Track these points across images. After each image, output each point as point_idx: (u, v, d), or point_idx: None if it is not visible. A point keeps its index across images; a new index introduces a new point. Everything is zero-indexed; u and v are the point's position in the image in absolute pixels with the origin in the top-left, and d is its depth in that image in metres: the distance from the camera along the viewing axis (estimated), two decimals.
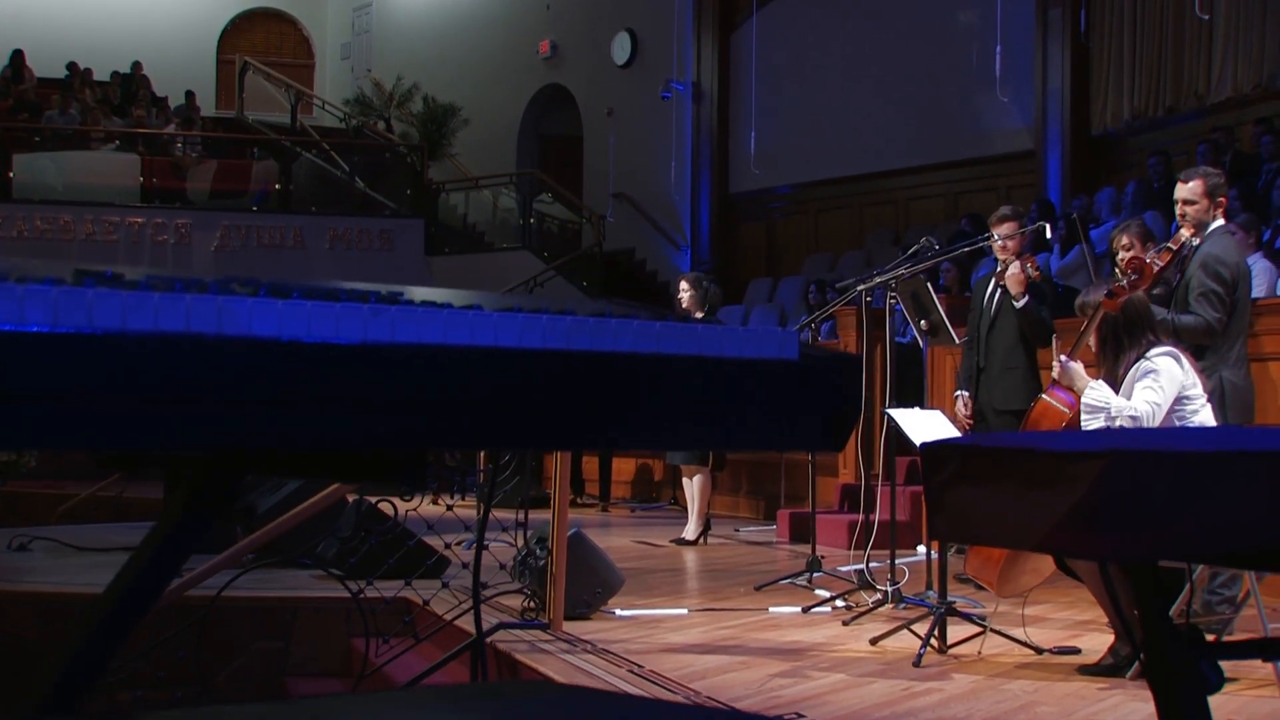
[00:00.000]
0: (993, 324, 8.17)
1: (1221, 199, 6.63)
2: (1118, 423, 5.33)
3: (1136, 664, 5.48)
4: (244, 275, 1.47)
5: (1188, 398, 5.32)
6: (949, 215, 17.74)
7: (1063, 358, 5.67)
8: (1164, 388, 5.25)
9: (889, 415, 6.59)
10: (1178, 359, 5.29)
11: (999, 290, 8.15)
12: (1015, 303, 7.97)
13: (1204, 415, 5.37)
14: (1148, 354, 5.37)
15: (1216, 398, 5.86)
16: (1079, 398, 5.56)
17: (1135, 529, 2.21)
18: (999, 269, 8.20)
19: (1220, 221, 6.62)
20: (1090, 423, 5.45)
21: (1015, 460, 2.34)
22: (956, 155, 17.71)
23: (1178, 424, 5.31)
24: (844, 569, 8.38)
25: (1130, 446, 2.19)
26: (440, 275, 19.97)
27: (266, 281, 1.43)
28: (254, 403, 1.28)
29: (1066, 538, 2.23)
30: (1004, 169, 17.37)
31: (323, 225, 19.62)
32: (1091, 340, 5.58)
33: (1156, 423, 5.23)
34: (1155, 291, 6.90)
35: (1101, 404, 5.38)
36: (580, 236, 21.68)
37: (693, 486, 10.46)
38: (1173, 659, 2.44)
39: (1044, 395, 5.88)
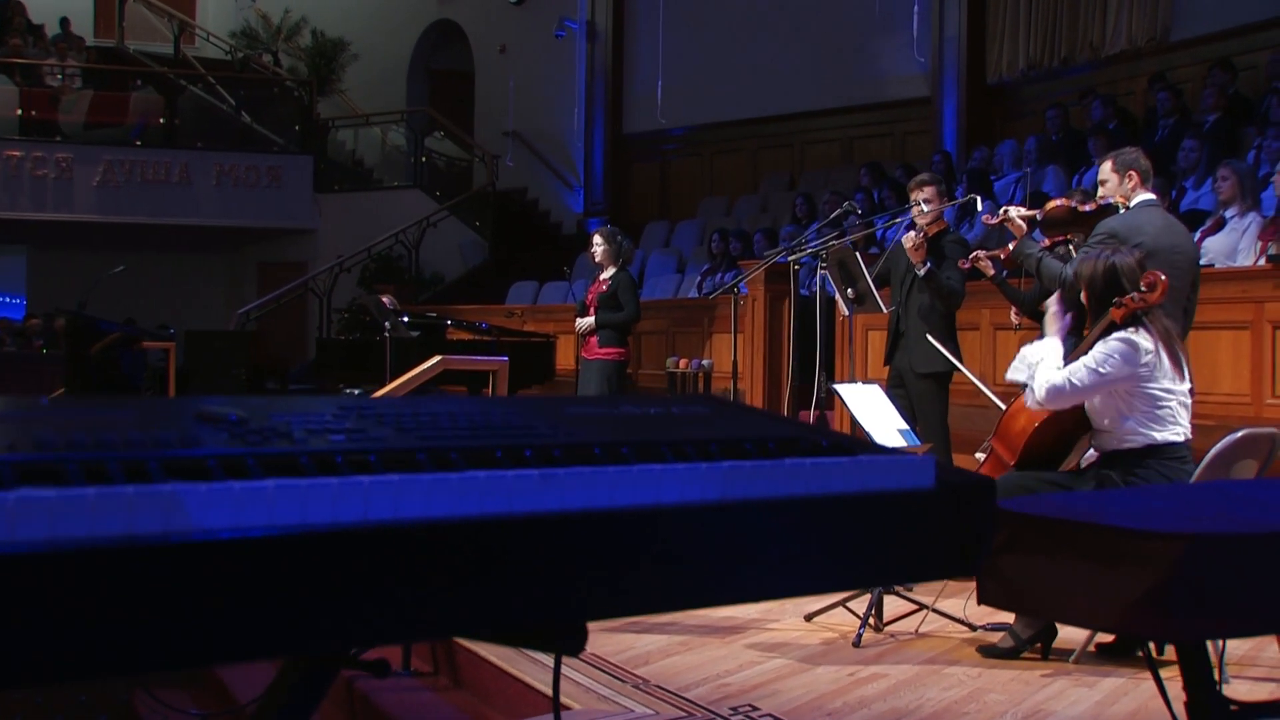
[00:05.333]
0: (909, 289, 8.14)
1: (1133, 172, 6.61)
2: (1036, 383, 5.37)
3: (1079, 649, 5.53)
4: (397, 423, 1.37)
5: (1167, 392, 5.32)
6: (844, 160, 17.78)
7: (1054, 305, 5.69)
8: (1099, 370, 5.26)
9: (834, 390, 6.57)
10: (1134, 347, 5.28)
11: None
12: (917, 270, 7.92)
13: (1176, 418, 5.39)
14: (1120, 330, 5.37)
15: None
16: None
17: (1215, 611, 2.19)
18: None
19: (1146, 195, 6.63)
20: (1015, 371, 5.49)
21: (1078, 535, 2.30)
22: (853, 100, 17.71)
23: (1154, 426, 5.34)
24: None
25: (1208, 530, 2.16)
26: (329, 213, 19.72)
27: (431, 435, 1.34)
28: (430, 587, 1.19)
29: (1141, 620, 2.20)
30: (900, 115, 17.40)
31: (209, 161, 19.22)
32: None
33: (1068, 399, 5.29)
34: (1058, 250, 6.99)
35: (1032, 360, 5.45)
36: (471, 175, 21.44)
37: None
38: None
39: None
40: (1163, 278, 5.35)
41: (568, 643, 1.41)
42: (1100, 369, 5.26)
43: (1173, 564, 2.00)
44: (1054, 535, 2.20)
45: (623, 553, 1.31)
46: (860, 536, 1.49)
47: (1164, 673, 5.18)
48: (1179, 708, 2.45)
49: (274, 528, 1.11)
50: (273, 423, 1.36)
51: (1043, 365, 5.41)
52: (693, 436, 1.50)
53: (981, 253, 7.17)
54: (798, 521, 1.43)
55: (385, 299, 12.78)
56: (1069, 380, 5.29)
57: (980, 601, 2.32)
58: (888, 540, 1.52)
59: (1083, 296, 5.58)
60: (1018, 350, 8.69)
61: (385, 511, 1.17)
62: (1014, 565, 2.27)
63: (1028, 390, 5.51)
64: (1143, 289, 5.33)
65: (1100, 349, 5.31)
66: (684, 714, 4.73)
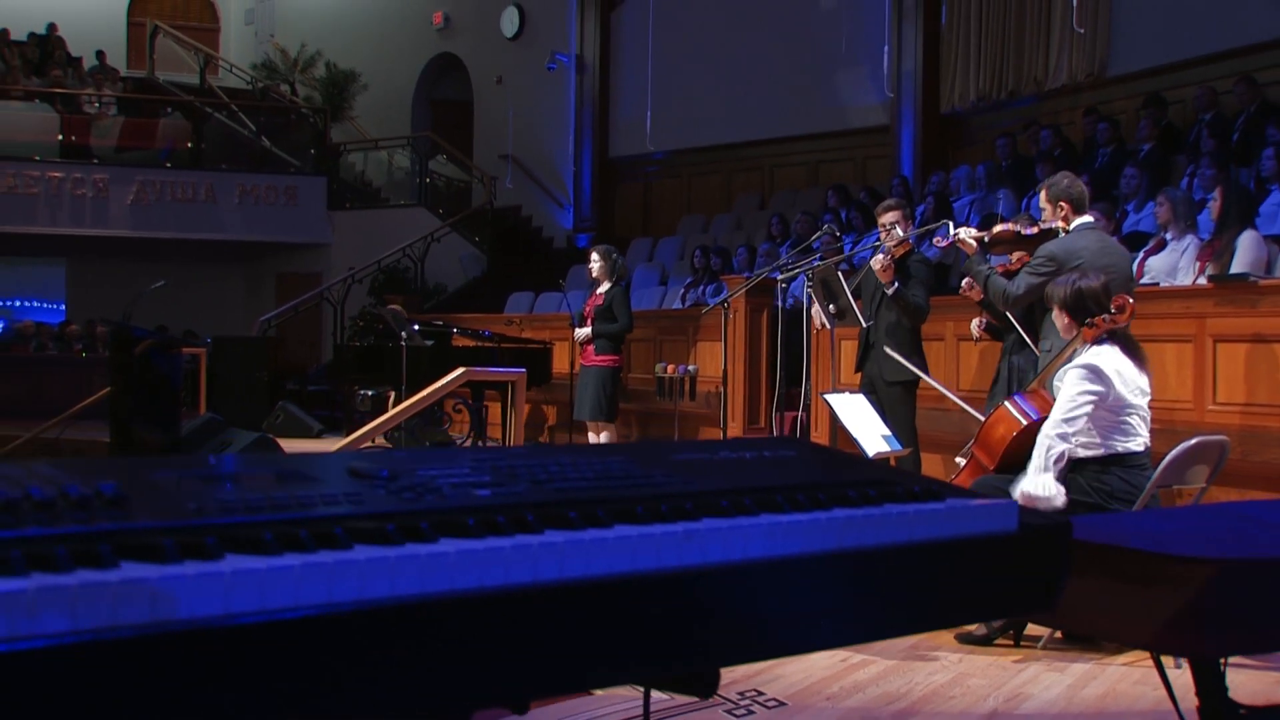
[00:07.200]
0: (879, 305, 8.12)
1: (1063, 202, 6.60)
2: (1041, 448, 5.28)
3: (1048, 634, 5.51)
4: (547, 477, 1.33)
5: (1128, 407, 5.31)
6: (810, 183, 17.78)
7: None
8: (1075, 412, 5.24)
9: (825, 399, 6.53)
10: (1096, 372, 5.27)
11: None
12: (885, 289, 7.88)
13: (1140, 428, 5.37)
14: (1074, 357, 5.37)
15: None
16: (1041, 410, 5.52)
17: (1241, 630, 2.16)
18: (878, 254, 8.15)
19: (1084, 219, 6.61)
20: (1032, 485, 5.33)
21: (1109, 557, 2.26)
22: (818, 128, 17.68)
23: (1116, 437, 5.32)
24: None
25: (1234, 555, 2.13)
26: (342, 228, 19.72)
27: (578, 489, 1.30)
28: (589, 643, 1.14)
29: (1173, 639, 2.17)
30: (861, 141, 17.37)
31: (232, 181, 19.20)
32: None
33: (1071, 440, 5.24)
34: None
35: (1044, 485, 5.28)
36: (470, 194, 21.42)
37: (600, 441, 10.35)
38: None
39: (1006, 402, 5.81)
40: (1131, 301, 5.33)
41: (702, 687, 1.38)
42: (1079, 408, 5.23)
43: (1202, 587, 1.97)
44: (1087, 556, 2.16)
45: (754, 602, 1.27)
46: (953, 578, 1.46)
47: (1126, 658, 5.19)
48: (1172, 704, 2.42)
49: (454, 591, 1.07)
50: (420, 478, 1.32)
51: (1040, 455, 5.31)
52: (795, 482, 1.46)
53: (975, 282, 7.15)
54: (903, 566, 1.40)
55: (394, 309, 12.72)
56: (1062, 433, 5.23)
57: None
58: (977, 581, 1.49)
59: (1054, 316, 5.57)
60: (979, 359, 8.73)
61: (551, 572, 1.13)
62: None
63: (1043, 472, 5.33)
64: (1113, 311, 5.31)
65: (1072, 391, 5.26)
66: (696, 698, 4.68)
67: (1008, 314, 7.09)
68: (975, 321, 7.81)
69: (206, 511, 1.12)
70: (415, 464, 1.38)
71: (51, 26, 22.24)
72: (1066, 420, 5.24)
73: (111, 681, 0.90)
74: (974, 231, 6.84)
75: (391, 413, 7.01)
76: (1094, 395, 5.23)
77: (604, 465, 1.47)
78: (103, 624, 0.91)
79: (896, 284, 7.83)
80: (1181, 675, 3.07)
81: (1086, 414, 5.24)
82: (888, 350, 7.65)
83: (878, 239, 8.23)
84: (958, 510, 1.46)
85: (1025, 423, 5.54)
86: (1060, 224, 6.63)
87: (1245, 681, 4.88)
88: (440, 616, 1.05)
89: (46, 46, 21.67)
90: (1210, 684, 2.29)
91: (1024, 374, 7.19)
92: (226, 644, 0.94)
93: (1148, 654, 5.11)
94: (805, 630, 1.33)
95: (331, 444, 12.68)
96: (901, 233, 7.80)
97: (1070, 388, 5.28)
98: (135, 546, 1.01)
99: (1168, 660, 3.37)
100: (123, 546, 1.01)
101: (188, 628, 0.93)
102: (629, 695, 4.78)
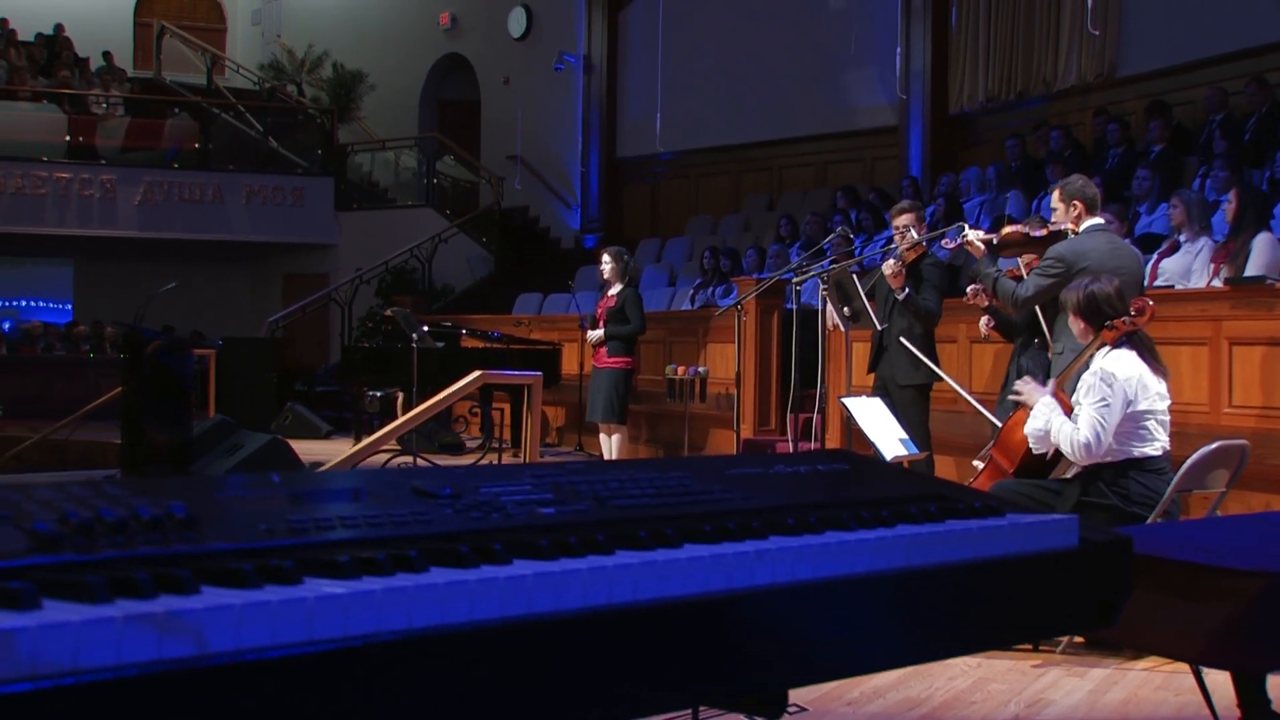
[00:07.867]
0: (891, 309, 8.09)
1: (1077, 201, 6.58)
2: (1067, 448, 5.25)
3: (1065, 640, 5.48)
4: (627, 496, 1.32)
5: (1146, 413, 5.27)
6: (819, 183, 17.76)
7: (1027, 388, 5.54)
8: (1110, 409, 5.19)
9: (843, 403, 6.52)
10: (1115, 378, 5.22)
11: None
12: (896, 295, 7.83)
13: (1159, 431, 5.34)
14: (1097, 355, 5.32)
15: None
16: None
17: None
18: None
19: (1094, 220, 6.60)
20: (1039, 445, 5.36)
21: (1158, 569, 2.25)
22: (826, 128, 17.67)
23: (1134, 442, 5.29)
24: None
25: None
26: (349, 229, 19.75)
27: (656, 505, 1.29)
28: (660, 666, 1.13)
29: (1223, 652, 2.15)
30: (869, 142, 17.36)
31: (239, 182, 19.24)
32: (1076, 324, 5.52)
33: (1104, 447, 5.19)
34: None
35: (1043, 430, 5.32)
36: (477, 195, 21.42)
37: (612, 443, 10.34)
38: None
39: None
40: (1150, 303, 5.30)
41: (770, 708, 1.36)
42: (1108, 413, 5.19)
43: (1253, 600, 1.95)
44: (1141, 570, 2.15)
45: (823, 622, 1.25)
46: (1015, 596, 1.45)
47: (1146, 663, 5.18)
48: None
49: (531, 615, 1.05)
50: (484, 496, 1.31)
51: (1057, 428, 5.29)
52: (856, 497, 1.45)
53: (979, 287, 7.12)
54: (967, 584, 1.38)
55: (403, 309, 12.72)
56: (1093, 436, 5.19)
57: None
58: (1038, 598, 1.47)
59: (1070, 321, 5.55)
60: (992, 362, 8.71)
61: (625, 594, 1.11)
62: None
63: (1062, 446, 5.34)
64: (1132, 313, 5.29)
65: (1096, 399, 5.22)
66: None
67: (1024, 313, 7.06)
68: (983, 320, 7.79)
69: (278, 533, 1.10)
70: (477, 481, 1.37)
71: (58, 27, 22.25)
72: (1100, 420, 5.20)
73: (197, 716, 0.88)
74: (982, 234, 6.83)
75: (411, 414, 7.00)
76: (1123, 396, 5.20)
77: (663, 481, 1.46)
78: (188, 654, 0.89)
79: (907, 289, 7.80)
80: (1209, 680, 3.06)
81: (1118, 410, 5.19)
82: (903, 341, 7.59)
83: (889, 240, 8.21)
84: (1019, 527, 1.45)
85: None
86: (1069, 225, 6.61)
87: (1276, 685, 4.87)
88: (517, 640, 1.04)
89: (53, 47, 21.68)
90: (1254, 697, 2.27)
91: (1033, 376, 7.16)
92: (309, 672, 0.92)
93: (1168, 660, 5.10)
94: (871, 650, 1.31)
95: (340, 445, 12.68)
96: (915, 235, 7.77)
97: (1095, 399, 5.23)
98: (214, 571, 1.00)
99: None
100: (202, 571, 1.00)
101: (277, 654, 0.91)
102: None
